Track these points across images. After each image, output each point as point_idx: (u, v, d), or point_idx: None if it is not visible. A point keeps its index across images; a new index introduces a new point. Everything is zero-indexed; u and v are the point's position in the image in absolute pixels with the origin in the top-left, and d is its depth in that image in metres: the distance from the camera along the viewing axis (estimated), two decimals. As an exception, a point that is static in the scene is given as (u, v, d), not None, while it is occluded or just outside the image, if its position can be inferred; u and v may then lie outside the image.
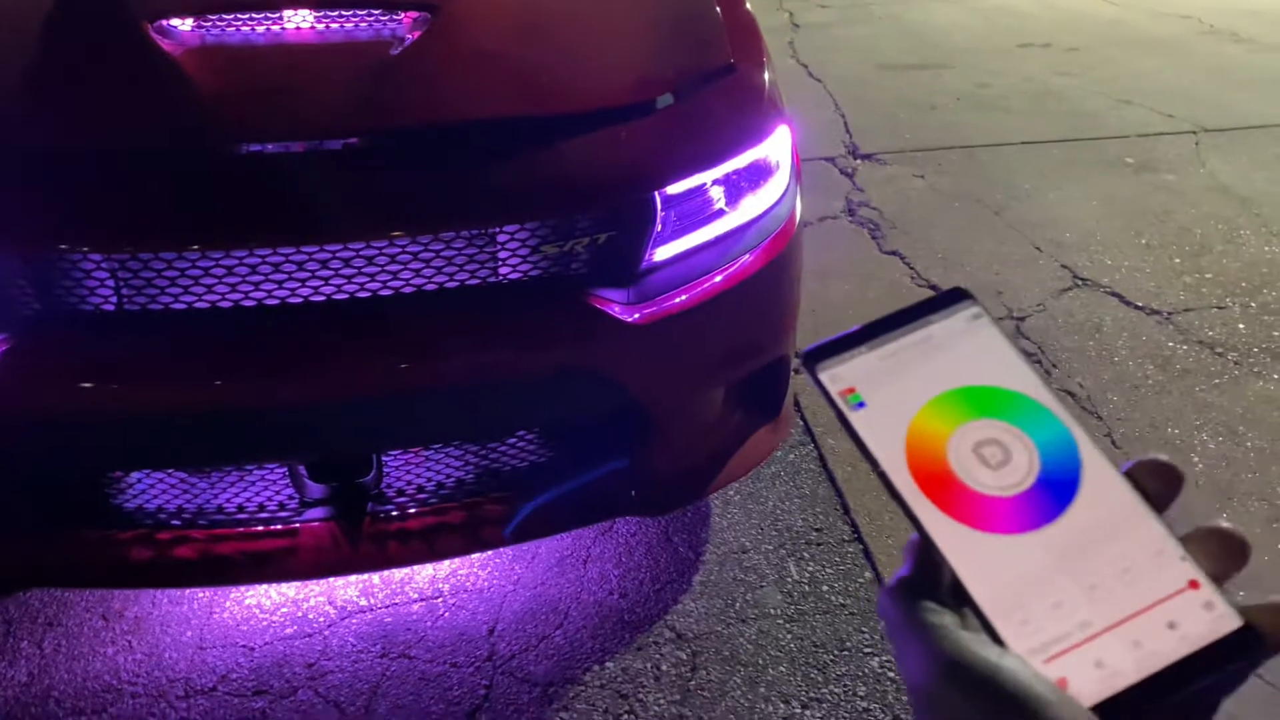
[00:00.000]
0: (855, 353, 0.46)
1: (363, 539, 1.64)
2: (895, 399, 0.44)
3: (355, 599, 2.02)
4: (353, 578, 2.05)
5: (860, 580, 2.07)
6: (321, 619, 1.98)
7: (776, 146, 1.72)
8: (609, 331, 1.53)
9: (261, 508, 1.66)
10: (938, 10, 6.98)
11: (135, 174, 1.44)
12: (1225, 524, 0.41)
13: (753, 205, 1.68)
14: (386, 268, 1.46)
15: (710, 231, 1.63)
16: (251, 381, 1.45)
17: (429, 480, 1.71)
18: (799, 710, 1.80)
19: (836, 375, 0.45)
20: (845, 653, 1.91)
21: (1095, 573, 0.40)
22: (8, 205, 1.41)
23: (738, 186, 1.66)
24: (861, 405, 0.44)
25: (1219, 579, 0.40)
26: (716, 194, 1.63)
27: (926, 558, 0.42)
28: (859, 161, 4.29)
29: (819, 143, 4.42)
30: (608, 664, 1.89)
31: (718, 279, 1.64)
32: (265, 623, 1.97)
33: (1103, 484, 0.42)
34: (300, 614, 1.99)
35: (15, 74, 1.52)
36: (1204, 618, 0.39)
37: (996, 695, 0.37)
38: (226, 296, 1.44)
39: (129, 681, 1.86)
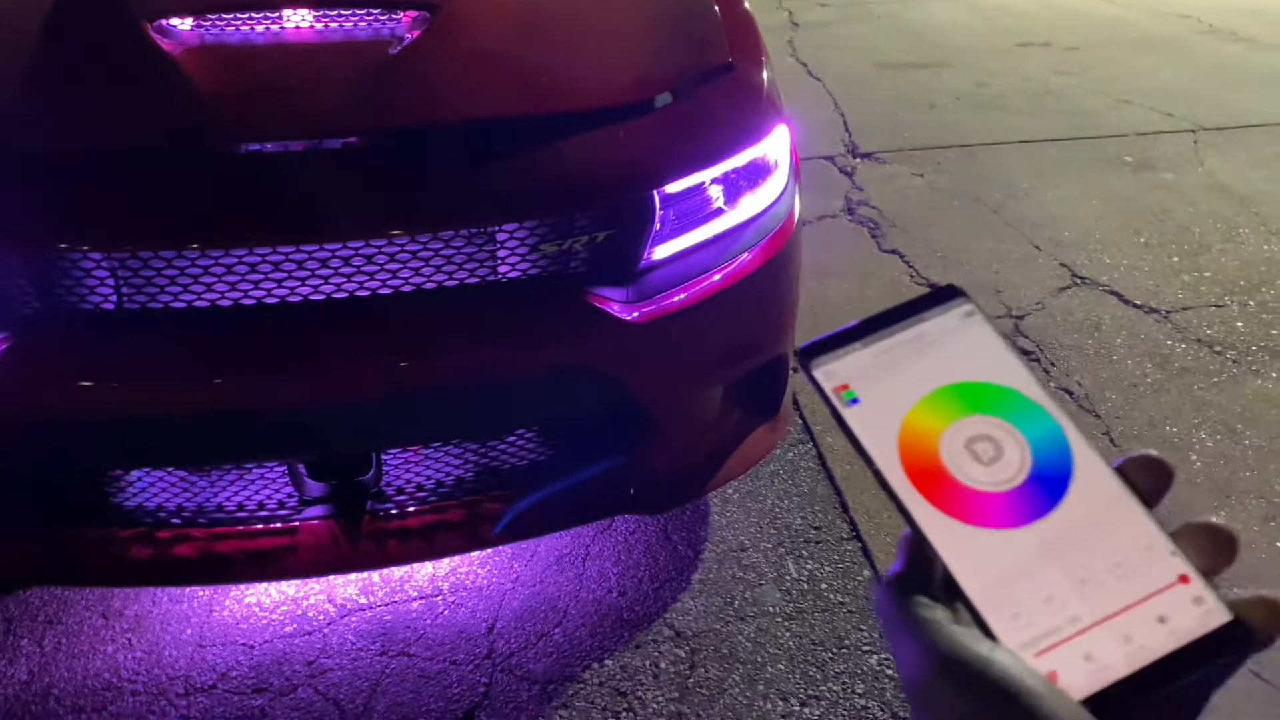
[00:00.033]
0: (849, 349, 0.46)
1: (362, 537, 1.65)
2: (889, 395, 0.45)
3: (355, 597, 2.03)
4: (352, 576, 2.06)
5: (859, 578, 2.07)
6: (321, 617, 1.98)
7: (775, 145, 1.72)
8: (608, 330, 1.54)
9: (261, 506, 1.66)
10: (937, 9, 6.98)
11: (135, 173, 1.44)
12: (1215, 519, 0.41)
13: (751, 204, 1.68)
14: (386, 266, 1.46)
15: (709, 230, 1.63)
16: (251, 380, 1.46)
17: (428, 479, 1.71)
18: (797, 708, 1.80)
19: (831, 371, 0.46)
20: (844, 650, 1.91)
21: (1086, 567, 0.40)
22: (8, 205, 1.42)
23: (736, 185, 1.66)
24: (855, 401, 0.45)
25: (1209, 574, 0.40)
26: (715, 193, 1.64)
27: (919, 552, 0.42)
28: (858, 160, 4.29)
29: (818, 141, 4.42)
30: (606, 662, 1.89)
31: (716, 278, 1.65)
32: (265, 621, 1.98)
33: (1094, 479, 0.42)
34: (300, 612, 1.99)
35: (15, 74, 1.52)
36: (1193, 612, 0.39)
37: (988, 689, 0.37)
38: (226, 295, 1.44)
39: (129, 679, 1.86)
